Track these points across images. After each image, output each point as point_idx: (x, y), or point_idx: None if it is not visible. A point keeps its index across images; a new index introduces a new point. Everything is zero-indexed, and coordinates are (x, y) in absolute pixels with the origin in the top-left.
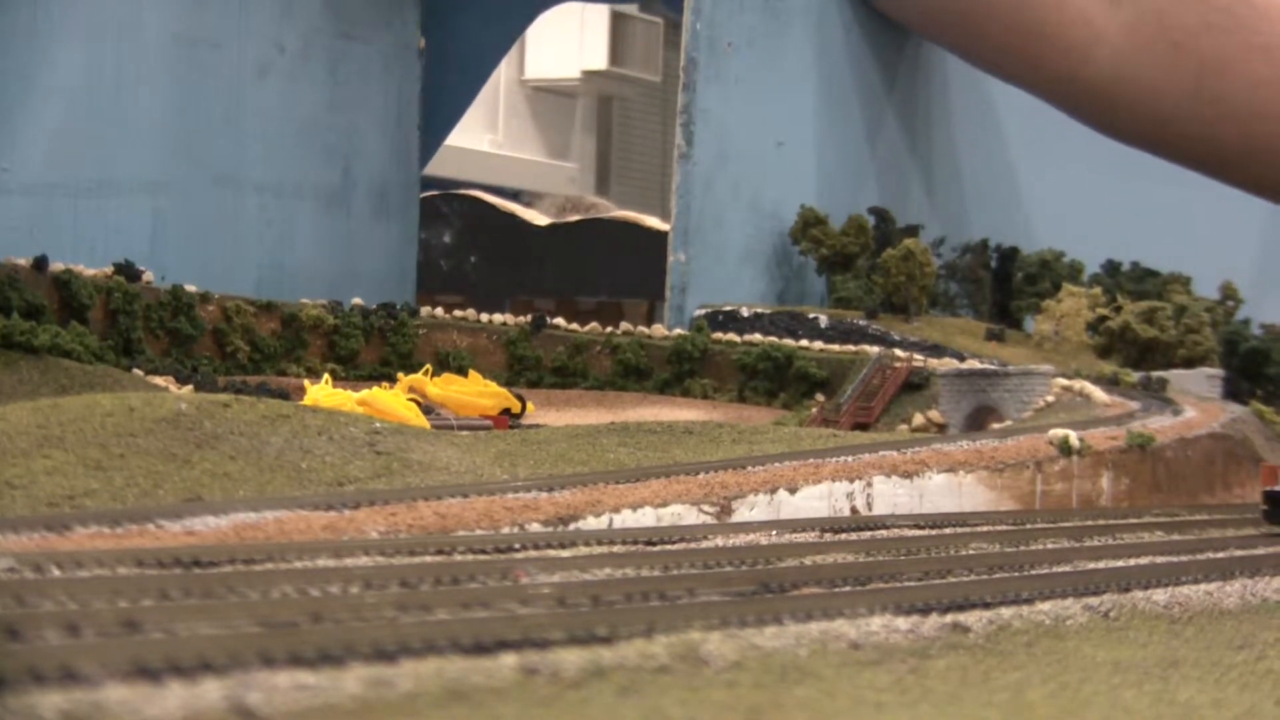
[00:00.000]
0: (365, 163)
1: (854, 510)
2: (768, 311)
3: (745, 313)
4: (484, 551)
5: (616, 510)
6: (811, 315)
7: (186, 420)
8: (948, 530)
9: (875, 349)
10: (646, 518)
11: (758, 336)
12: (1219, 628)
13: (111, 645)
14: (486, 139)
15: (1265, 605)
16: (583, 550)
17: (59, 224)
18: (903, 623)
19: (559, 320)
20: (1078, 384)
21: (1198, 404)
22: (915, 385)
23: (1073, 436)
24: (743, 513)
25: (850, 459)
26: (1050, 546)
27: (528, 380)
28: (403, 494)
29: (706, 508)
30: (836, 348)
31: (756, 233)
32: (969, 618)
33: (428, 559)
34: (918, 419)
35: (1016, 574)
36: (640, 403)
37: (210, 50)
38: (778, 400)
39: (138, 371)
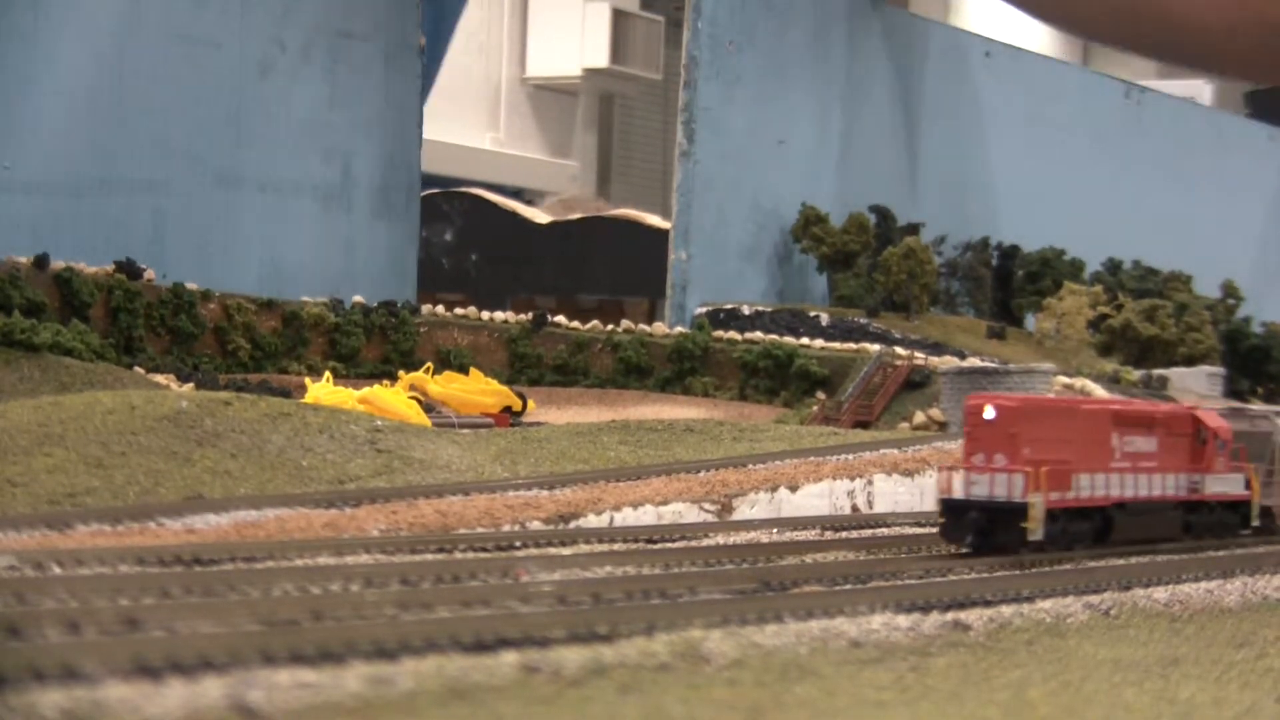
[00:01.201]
0: (366, 161)
1: (855, 508)
2: (769, 309)
3: (746, 311)
4: (485, 549)
5: (617, 508)
6: (813, 313)
7: (187, 418)
8: None
9: (876, 347)
10: (647, 516)
11: (759, 334)
12: (1220, 626)
13: (112, 643)
14: (488, 137)
15: (1266, 603)
16: (584, 548)
17: (60, 222)
18: (904, 621)
19: (560, 318)
20: (1079, 382)
21: (1199, 402)
22: (916, 383)
23: None
24: (744, 511)
25: (851, 457)
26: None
27: (529, 378)
28: (404, 492)
29: (707, 506)
30: (838, 346)
31: (757, 231)
32: (970, 616)
33: (429, 557)
34: (919, 417)
35: (1017, 572)
36: (641, 401)
37: (211, 49)
38: (779, 398)
39: (139, 369)
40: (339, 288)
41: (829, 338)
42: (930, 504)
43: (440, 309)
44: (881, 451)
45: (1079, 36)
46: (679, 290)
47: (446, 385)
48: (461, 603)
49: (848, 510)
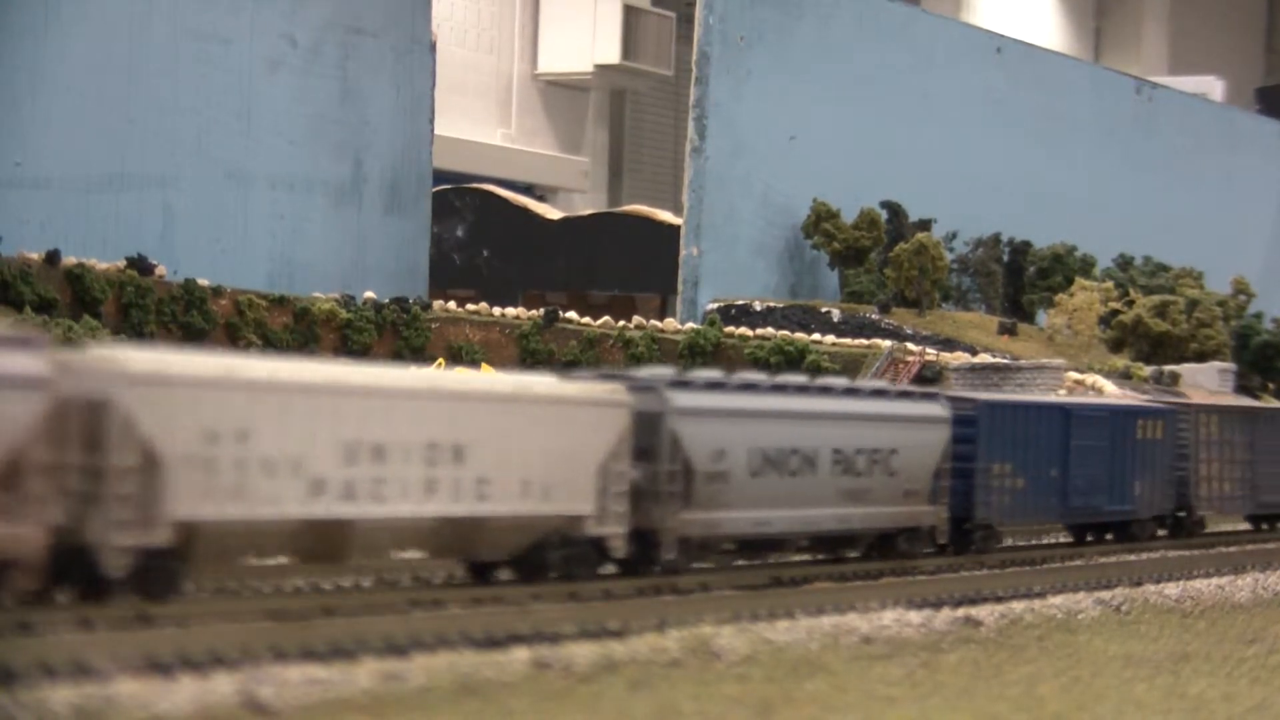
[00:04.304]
0: (377, 157)
1: None
2: (780, 305)
3: (758, 306)
4: None
5: None
6: (824, 309)
7: None
8: None
9: (887, 343)
10: None
11: (770, 330)
12: (1230, 621)
13: (124, 639)
14: (499, 133)
15: (1277, 599)
16: None
17: (71, 218)
18: (915, 616)
19: (571, 314)
20: (1090, 378)
21: (1210, 398)
22: (927, 379)
23: None
24: None
25: None
26: (1062, 540)
27: None
28: None
29: None
30: (849, 342)
31: (769, 227)
32: (981, 612)
33: None
34: None
35: (1028, 568)
36: None
37: (221, 45)
38: None
39: None
40: (350, 284)
41: (840, 334)
42: None
43: (451, 305)
44: None
45: None
46: (690, 286)
47: None
48: (473, 599)
49: None
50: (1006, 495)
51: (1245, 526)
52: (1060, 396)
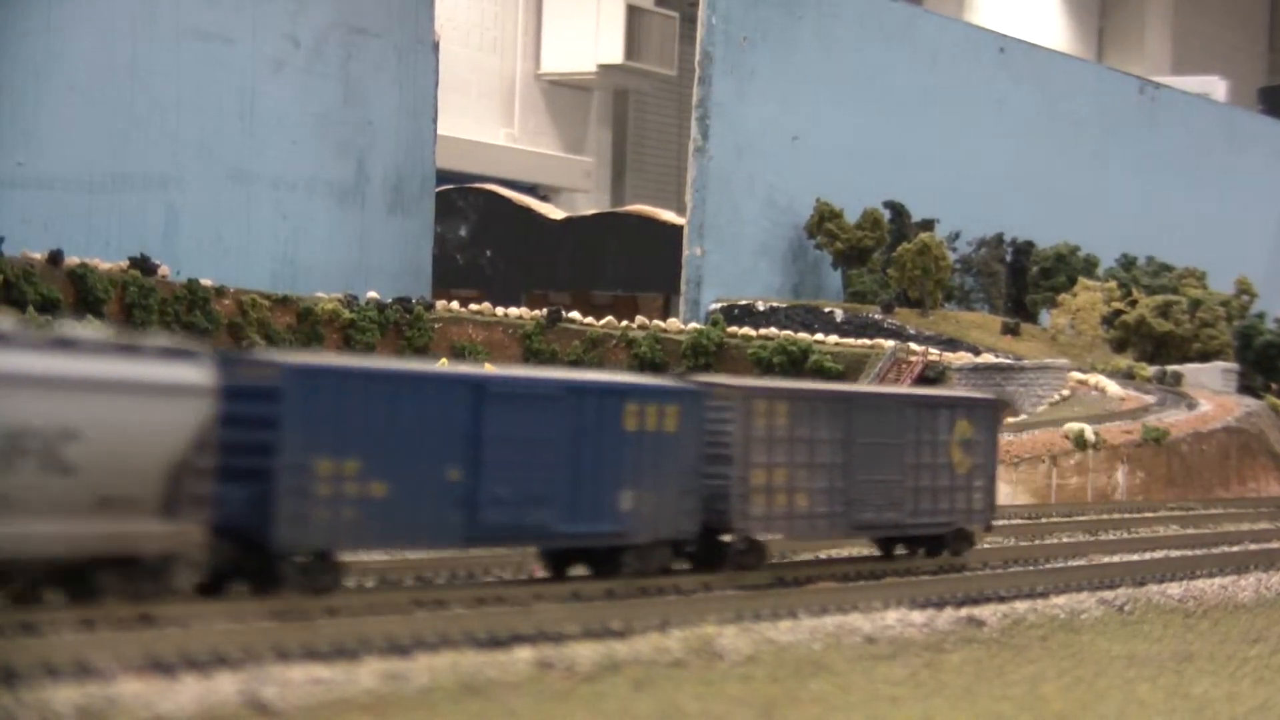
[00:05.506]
0: (379, 157)
1: None
2: (783, 305)
3: (761, 306)
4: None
5: None
6: (827, 309)
7: None
8: None
9: (890, 343)
10: None
11: (773, 330)
12: (1234, 621)
13: (126, 639)
14: (502, 132)
15: None
16: None
17: (74, 218)
18: (918, 616)
19: (574, 314)
20: (1093, 378)
21: (1213, 398)
22: (930, 379)
23: (1088, 430)
24: None
25: None
26: (1065, 540)
27: None
28: None
29: None
30: (852, 341)
31: (772, 226)
32: (984, 611)
33: (443, 553)
34: None
35: (1031, 568)
36: None
37: (224, 45)
38: None
39: None
40: (353, 284)
41: (843, 333)
42: None
43: (455, 305)
44: None
45: None
46: (693, 286)
47: None
48: (476, 599)
49: None
50: (350, 508)
51: (867, 552)
52: (473, 368)
